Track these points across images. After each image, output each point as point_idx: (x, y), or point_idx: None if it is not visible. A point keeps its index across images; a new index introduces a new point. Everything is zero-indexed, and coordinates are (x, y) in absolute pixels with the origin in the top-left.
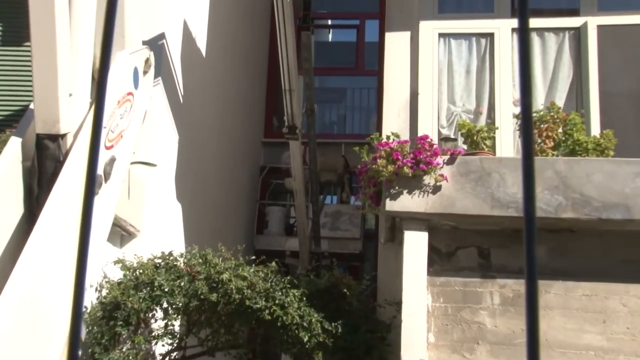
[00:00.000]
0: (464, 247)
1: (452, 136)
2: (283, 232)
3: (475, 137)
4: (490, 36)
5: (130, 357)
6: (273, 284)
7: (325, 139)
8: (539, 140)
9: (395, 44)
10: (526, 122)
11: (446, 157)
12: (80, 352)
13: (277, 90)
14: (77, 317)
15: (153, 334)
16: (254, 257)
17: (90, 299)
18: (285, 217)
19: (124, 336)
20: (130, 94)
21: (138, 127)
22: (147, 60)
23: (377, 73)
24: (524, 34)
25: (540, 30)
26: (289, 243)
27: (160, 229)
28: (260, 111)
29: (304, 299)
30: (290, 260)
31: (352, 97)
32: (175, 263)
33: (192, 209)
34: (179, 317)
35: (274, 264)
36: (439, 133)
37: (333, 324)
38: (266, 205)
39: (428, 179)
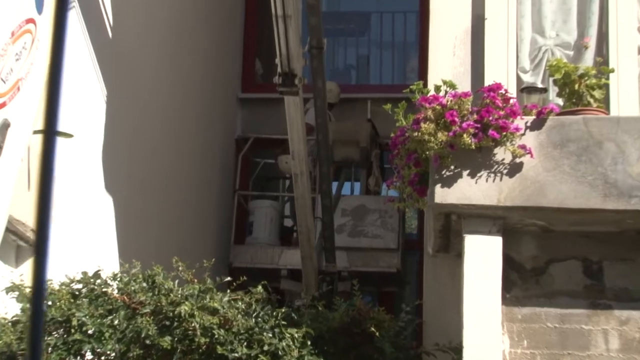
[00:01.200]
0: (560, 261)
1: (540, 85)
2: (276, 239)
3: (577, 86)
4: None
5: None
6: (260, 320)
7: (342, 94)
8: None
9: None
10: None
11: (530, 119)
12: None
13: (262, 19)
14: None
15: None
16: (229, 278)
17: None
18: (279, 217)
19: None
20: (30, 21)
21: (44, 75)
22: None
23: None
24: None
25: None
26: (286, 257)
27: (80, 237)
28: (235, 51)
29: (309, 343)
30: (287, 283)
31: (381, 26)
32: (104, 289)
33: (129, 205)
34: None
35: (260, 288)
36: (519, 80)
37: None
38: (249, 199)
39: (502, 153)
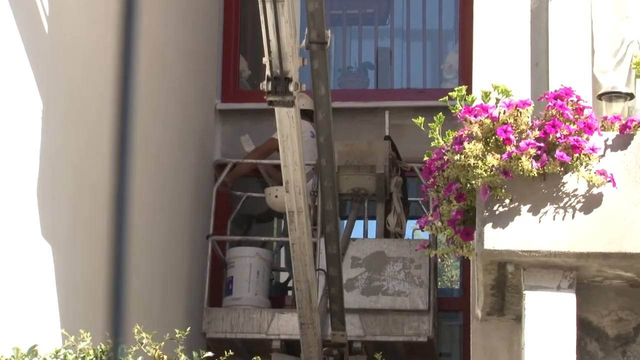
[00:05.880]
0: None
1: (624, 89)
2: (264, 300)
3: None
4: None
5: None
6: None
7: (349, 102)
8: None
9: None
10: None
11: (612, 135)
12: None
13: (246, 5)
14: None
15: None
16: (209, 353)
17: None
18: (268, 269)
19: None
20: None
21: None
22: None
23: None
24: None
25: None
26: (279, 324)
27: (10, 301)
28: (211, 47)
29: None
30: (280, 359)
31: (408, 11)
32: None
33: (73, 256)
34: None
35: None
36: (595, 83)
37: None
38: (227, 245)
39: (574, 182)
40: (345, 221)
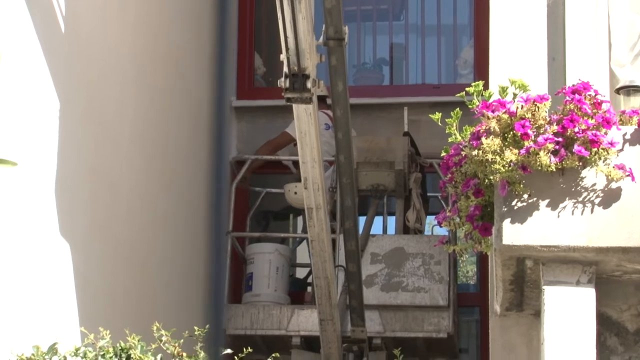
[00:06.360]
0: None
1: None
2: (284, 296)
3: None
4: None
5: None
6: None
7: (364, 98)
8: None
9: None
10: None
11: (630, 129)
12: None
13: (259, 6)
14: None
15: None
16: (228, 350)
17: None
18: (287, 266)
19: None
20: None
21: None
22: None
23: None
24: None
25: None
26: (298, 320)
27: (29, 298)
28: (226, 44)
29: None
30: (300, 356)
31: (422, 6)
32: None
33: (91, 254)
34: None
35: None
36: (612, 77)
37: None
38: (247, 242)
39: (592, 176)
40: (365, 217)
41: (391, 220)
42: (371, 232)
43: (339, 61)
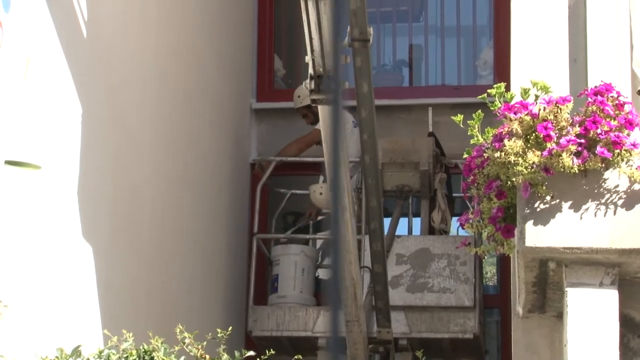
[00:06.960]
0: None
1: None
2: (310, 298)
3: None
4: None
5: None
6: None
7: (384, 100)
8: None
9: None
10: None
11: None
12: None
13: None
14: None
15: None
16: (251, 352)
17: None
18: (313, 267)
19: None
20: None
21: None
22: None
23: None
24: None
25: None
26: (325, 321)
27: (52, 301)
28: (246, 45)
29: None
30: (326, 357)
31: (442, 7)
32: None
33: (114, 256)
34: None
35: None
36: (634, 79)
37: None
38: (272, 243)
39: (615, 178)
40: (390, 218)
41: (416, 221)
42: (396, 233)
43: (363, 62)
